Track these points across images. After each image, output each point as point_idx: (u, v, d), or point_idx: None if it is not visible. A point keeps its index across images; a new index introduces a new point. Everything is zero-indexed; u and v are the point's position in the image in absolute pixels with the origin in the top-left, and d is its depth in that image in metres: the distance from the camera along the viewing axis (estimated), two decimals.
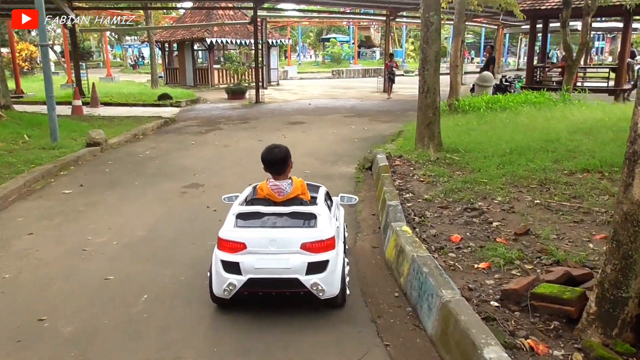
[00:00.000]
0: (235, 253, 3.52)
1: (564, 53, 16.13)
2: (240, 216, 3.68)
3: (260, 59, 20.39)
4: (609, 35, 57.36)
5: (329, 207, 4.05)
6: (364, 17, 25.31)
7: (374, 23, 53.37)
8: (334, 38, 48.09)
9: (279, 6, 23.67)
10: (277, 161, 3.92)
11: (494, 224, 5.17)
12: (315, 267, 3.51)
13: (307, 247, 3.52)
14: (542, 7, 16.92)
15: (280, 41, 27.92)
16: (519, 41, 45.27)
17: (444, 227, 5.14)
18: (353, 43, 46.25)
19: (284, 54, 51.14)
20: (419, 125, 8.57)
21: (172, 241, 5.42)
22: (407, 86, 25.76)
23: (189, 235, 5.54)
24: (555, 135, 8.78)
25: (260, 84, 20.24)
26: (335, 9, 26.57)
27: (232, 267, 3.52)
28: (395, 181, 6.75)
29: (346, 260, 3.95)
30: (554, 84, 17.63)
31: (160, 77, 29.63)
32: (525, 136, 8.97)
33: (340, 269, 3.66)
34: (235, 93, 21.10)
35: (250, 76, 22.40)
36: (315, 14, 27.48)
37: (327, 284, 3.55)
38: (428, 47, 8.34)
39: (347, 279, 3.90)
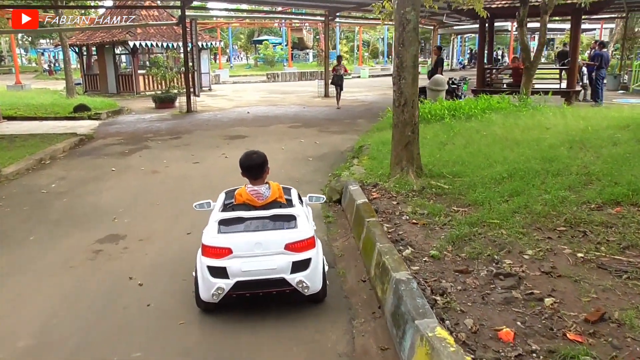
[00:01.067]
0: (221, 258, 3.59)
1: (516, 54, 15.30)
2: (223, 222, 3.75)
3: (190, 63, 18.27)
4: (532, 34, 58.51)
5: (301, 205, 4.18)
6: (302, 17, 23.68)
7: (307, 24, 51.95)
8: (267, 40, 46.19)
9: (209, 5, 21.57)
10: (255, 167, 3.98)
11: (546, 300, 3.62)
12: (299, 266, 3.65)
13: (291, 247, 3.65)
14: (494, 6, 15.88)
15: (211, 44, 25.81)
16: (451, 42, 45.13)
17: (478, 310, 3.55)
18: (286, 45, 44.54)
19: (214, 57, 48.78)
20: (395, 146, 6.96)
21: (74, 355, 3.52)
22: (349, 89, 24.40)
23: (101, 341, 3.67)
24: (552, 152, 7.43)
25: (192, 90, 18.17)
26: (269, 8, 24.73)
27: (219, 272, 3.58)
28: (382, 226, 5.11)
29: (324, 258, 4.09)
30: (504, 87, 16.65)
31: (79, 84, 26.79)
32: (516, 153, 7.58)
33: (321, 265, 3.84)
34: (164, 101, 18.90)
35: (180, 82, 20.21)
36: (247, 14, 25.49)
37: (311, 280, 3.71)
38: (404, 50, 6.78)
39: (326, 271, 4.08)
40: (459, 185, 6.40)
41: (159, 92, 20.34)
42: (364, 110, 17.52)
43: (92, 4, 23.03)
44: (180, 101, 17.88)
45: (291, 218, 3.80)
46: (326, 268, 4.08)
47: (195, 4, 18.98)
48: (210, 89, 26.18)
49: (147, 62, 24.30)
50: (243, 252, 3.61)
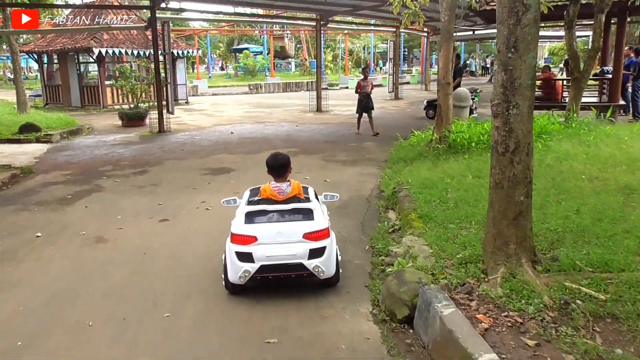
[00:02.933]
0: (247, 245, 4.04)
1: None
2: (249, 214, 4.21)
3: (163, 73, 15.22)
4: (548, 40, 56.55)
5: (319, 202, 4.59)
6: (292, 22, 20.81)
7: (288, 32, 49.18)
8: (247, 49, 43.23)
9: (186, 7, 18.53)
10: (279, 167, 4.41)
11: None
12: (316, 253, 4.08)
13: (308, 236, 4.09)
14: None
15: (187, 52, 22.78)
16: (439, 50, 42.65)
17: None
18: (268, 54, 41.64)
19: (191, 67, 45.64)
20: (496, 219, 4.05)
21: None
22: (340, 103, 21.64)
23: None
24: None
25: (165, 105, 15.12)
26: (252, 10, 21.77)
27: (245, 257, 4.02)
28: None
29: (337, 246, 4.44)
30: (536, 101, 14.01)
31: (39, 95, 23.49)
32: None
33: (334, 253, 4.25)
34: (132, 119, 15.82)
35: (153, 95, 17.11)
36: (230, 17, 22.50)
37: (326, 265, 4.11)
38: (517, 57, 3.86)
39: (339, 259, 4.39)
40: (619, 291, 3.57)
41: (129, 105, 17.18)
42: (367, 129, 14.71)
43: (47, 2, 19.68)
44: (152, 118, 14.81)
45: (309, 211, 4.23)
46: (339, 257, 4.38)
47: (169, 4, 15.90)
48: (187, 102, 23.11)
49: (116, 72, 21.13)
50: (267, 240, 4.05)
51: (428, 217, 5.56)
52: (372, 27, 30.44)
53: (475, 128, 9.53)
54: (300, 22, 22.09)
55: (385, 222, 6.07)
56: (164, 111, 14.61)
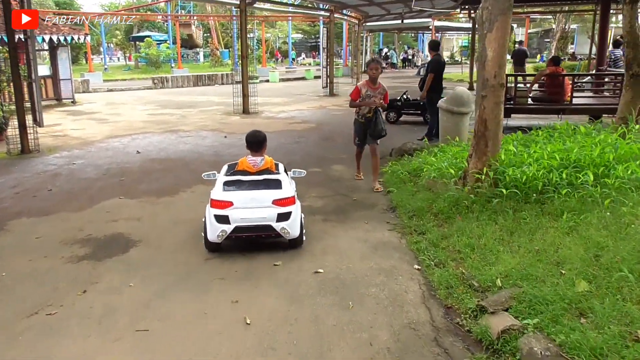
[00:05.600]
0: (224, 209, 4.53)
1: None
2: (227, 183, 4.72)
3: (22, 65, 10.40)
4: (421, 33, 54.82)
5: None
6: (307, 11, 16.17)
7: (195, 19, 43.99)
8: (149, 37, 37.59)
9: None
10: (257, 142, 4.97)
11: None
12: (283, 217, 4.58)
13: (277, 202, 4.58)
14: None
15: (72, 38, 17.55)
16: (365, 39, 39.43)
17: None
18: (174, 43, 36.36)
19: (84, 57, 39.28)
20: None
21: None
22: (269, 99, 17.70)
23: None
24: None
25: (32, 109, 10.32)
26: None
27: (222, 219, 4.53)
28: None
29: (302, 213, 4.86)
30: (532, 103, 10.82)
31: None
32: None
33: (299, 218, 4.74)
34: None
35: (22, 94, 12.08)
36: None
37: (292, 228, 4.62)
38: None
39: (303, 224, 4.87)
40: None
41: None
42: (321, 140, 10.82)
43: None
44: (17, 130, 9.92)
45: (278, 182, 4.74)
46: (303, 222, 4.90)
47: None
48: (73, 102, 17.95)
49: None
50: (241, 205, 4.55)
51: None
52: (303, 10, 26.42)
53: (529, 151, 5.94)
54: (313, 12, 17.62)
55: None
56: (30, 121, 9.83)
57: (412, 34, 55.41)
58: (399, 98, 13.05)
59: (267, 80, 28.63)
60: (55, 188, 7.29)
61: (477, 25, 5.58)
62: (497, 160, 5.59)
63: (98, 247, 5.02)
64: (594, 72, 12.49)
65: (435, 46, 10.45)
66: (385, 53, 43.33)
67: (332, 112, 15.62)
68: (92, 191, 7.08)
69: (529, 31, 40.10)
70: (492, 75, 5.34)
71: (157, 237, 5.27)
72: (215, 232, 4.57)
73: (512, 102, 10.44)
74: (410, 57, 45.24)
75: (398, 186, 6.79)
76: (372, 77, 6.86)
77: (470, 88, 20.95)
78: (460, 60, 51.07)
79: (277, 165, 5.16)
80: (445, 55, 51.72)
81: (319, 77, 31.17)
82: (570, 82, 10.60)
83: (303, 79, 31.26)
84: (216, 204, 4.59)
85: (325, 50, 20.94)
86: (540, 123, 8.88)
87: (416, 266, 4.38)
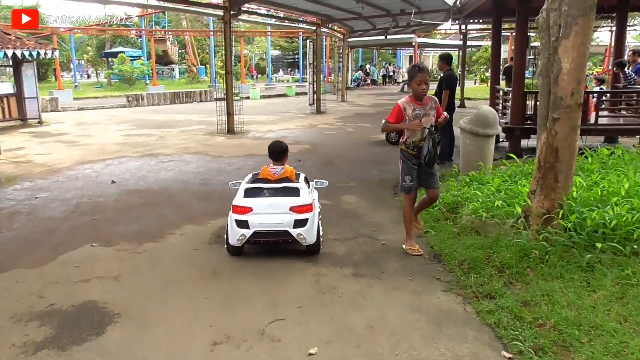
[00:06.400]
0: (244, 214, 4.72)
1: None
2: (247, 190, 4.92)
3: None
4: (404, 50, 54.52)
5: (308, 186, 5.24)
6: (194, 9, 15.01)
7: (169, 35, 42.65)
8: (122, 52, 36.04)
9: None
10: (278, 152, 5.16)
11: None
12: (300, 223, 4.69)
13: (294, 209, 4.71)
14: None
15: (39, 52, 16.04)
16: (348, 55, 38.45)
17: None
18: (148, 59, 34.90)
19: (53, 74, 37.47)
20: None
21: None
22: (255, 118, 16.57)
23: None
24: None
25: None
26: None
27: (242, 224, 4.71)
28: None
29: (320, 221, 5.08)
30: None
31: None
32: None
33: (316, 225, 4.84)
34: None
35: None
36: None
37: (308, 234, 4.72)
38: None
39: (322, 233, 5.06)
40: None
41: None
42: (322, 165, 9.63)
43: None
44: None
45: (296, 190, 4.88)
46: (321, 231, 5.07)
47: None
48: (40, 122, 16.42)
49: None
50: (260, 210, 4.73)
51: None
52: (288, 24, 25.29)
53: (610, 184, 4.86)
54: (202, 9, 16.40)
55: None
56: None
57: (391, 51, 55.00)
58: None
59: (248, 97, 27.37)
60: (11, 232, 5.91)
61: (539, 32, 4.48)
62: (569, 198, 4.49)
63: (63, 325, 3.70)
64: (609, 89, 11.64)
65: (448, 59, 9.41)
66: (366, 70, 42.55)
67: (324, 131, 14.46)
68: (57, 236, 5.74)
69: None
70: (568, 93, 4.24)
71: (141, 307, 3.98)
72: (235, 236, 4.77)
73: (531, 122, 9.44)
74: (390, 73, 44.58)
75: (432, 225, 5.64)
76: (418, 94, 4.80)
77: (461, 105, 20.09)
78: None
79: (298, 175, 5.31)
80: None
81: (300, 94, 30.19)
82: (594, 100, 9.67)
83: (284, 95, 30.15)
84: (237, 209, 4.79)
85: (312, 66, 19.81)
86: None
87: (505, 353, 3.19)
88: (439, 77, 9.74)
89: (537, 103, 4.80)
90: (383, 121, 5.11)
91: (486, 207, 5.32)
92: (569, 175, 4.47)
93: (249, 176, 5.43)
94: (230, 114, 14.13)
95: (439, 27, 34.88)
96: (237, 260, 4.90)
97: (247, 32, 45.16)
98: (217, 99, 15.67)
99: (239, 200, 4.85)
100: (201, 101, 26.08)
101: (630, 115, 10.18)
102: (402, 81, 40.07)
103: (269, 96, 29.41)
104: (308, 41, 21.65)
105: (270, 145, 5.23)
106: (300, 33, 41.66)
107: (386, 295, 4.08)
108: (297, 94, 30.30)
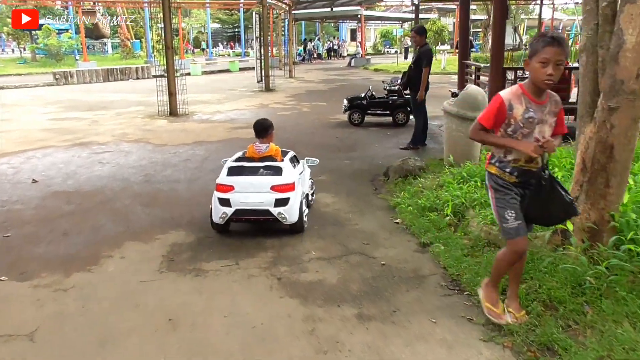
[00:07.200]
0: (227, 192, 4.73)
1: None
2: (231, 168, 4.91)
3: None
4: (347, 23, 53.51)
5: (294, 166, 5.13)
6: None
7: (100, 6, 39.49)
8: (48, 25, 32.95)
9: None
10: (262, 130, 5.07)
11: None
12: (281, 202, 4.67)
13: (275, 188, 4.69)
14: None
15: None
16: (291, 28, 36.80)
17: None
18: (77, 32, 32.04)
19: None
20: None
21: None
22: (191, 97, 15.10)
23: None
24: None
25: None
26: None
27: (225, 202, 4.73)
28: None
29: (305, 203, 5.05)
30: None
31: None
32: None
33: (298, 204, 4.75)
34: None
35: None
36: None
37: (289, 213, 4.69)
38: None
39: (306, 212, 5.06)
40: None
41: None
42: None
43: None
44: None
45: (279, 169, 4.83)
46: (306, 209, 5.04)
47: None
48: None
49: None
50: (241, 189, 4.73)
51: None
52: None
53: None
54: None
55: None
56: None
57: (333, 24, 53.68)
58: (363, 95, 10.91)
59: (189, 74, 25.46)
60: None
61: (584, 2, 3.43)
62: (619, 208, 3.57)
63: None
64: None
65: (424, 32, 8.33)
66: (308, 46, 41.00)
67: (277, 112, 13.20)
68: None
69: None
70: (632, 75, 3.25)
71: None
72: (218, 214, 4.76)
73: None
74: (336, 47, 43.35)
75: (436, 234, 4.63)
76: (540, 82, 2.87)
77: None
78: (382, 50, 50.05)
79: (285, 153, 5.24)
80: (368, 45, 50.48)
81: (244, 69, 28.56)
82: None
83: (227, 71, 28.42)
84: (220, 187, 4.80)
85: (259, 39, 18.33)
86: None
87: None
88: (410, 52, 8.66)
89: (578, 87, 3.81)
90: (473, 125, 3.07)
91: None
92: (624, 179, 3.54)
93: (238, 154, 5.34)
94: (172, 94, 12.61)
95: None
96: (199, 296, 3.72)
97: (183, 3, 42.54)
98: (155, 76, 14.06)
99: (222, 178, 4.85)
100: (138, 78, 24.02)
101: None
102: (348, 55, 39.00)
103: (212, 72, 27.61)
104: (253, 12, 20.08)
105: (254, 123, 5.17)
106: (241, 4, 39.66)
107: (409, 351, 3.03)
108: (241, 69, 28.67)
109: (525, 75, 9.04)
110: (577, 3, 34.85)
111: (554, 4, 33.51)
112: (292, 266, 4.21)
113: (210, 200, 4.92)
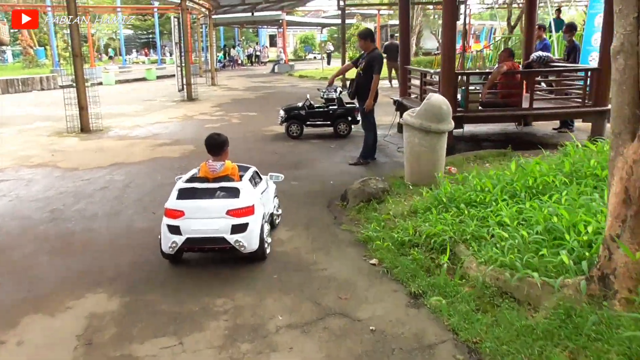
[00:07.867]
0: (176, 219, 4.14)
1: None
2: (181, 191, 4.29)
3: None
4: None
5: (256, 184, 4.64)
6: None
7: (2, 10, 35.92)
8: None
9: None
10: (215, 146, 4.53)
11: None
12: (238, 228, 4.11)
13: (231, 213, 4.12)
14: None
15: None
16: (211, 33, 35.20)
17: None
18: None
19: None
20: None
21: None
22: (105, 110, 13.63)
23: None
24: None
25: None
26: None
27: (175, 230, 4.13)
28: None
29: (267, 226, 4.49)
30: (484, 110, 8.39)
31: None
32: None
33: (258, 230, 4.21)
34: None
35: None
36: None
37: (247, 241, 4.13)
38: None
39: (269, 240, 4.51)
40: None
41: None
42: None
43: None
44: None
45: (236, 190, 4.26)
46: (267, 235, 4.44)
47: None
48: None
49: None
50: (193, 215, 4.14)
51: None
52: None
53: None
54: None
55: None
56: None
57: (252, 30, 52.50)
58: (301, 105, 9.98)
59: (101, 83, 23.43)
60: None
61: None
62: None
63: None
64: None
65: (369, 35, 7.50)
66: (230, 53, 39.48)
67: (205, 124, 11.97)
68: None
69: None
70: None
71: None
72: (167, 243, 4.19)
73: (462, 110, 7.99)
74: (257, 53, 42.17)
75: (426, 280, 3.76)
76: None
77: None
78: (303, 56, 49.48)
79: (245, 168, 4.82)
80: (288, 51, 49.71)
81: (162, 77, 26.87)
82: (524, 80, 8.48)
83: (144, 79, 26.52)
84: (169, 213, 4.23)
85: (179, 45, 16.92)
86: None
87: None
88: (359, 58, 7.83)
89: (612, 98, 3.07)
90: None
91: (514, 253, 3.55)
92: None
93: (191, 172, 4.77)
94: (82, 107, 11.05)
95: (307, 3, 33.25)
96: None
97: (89, 7, 39.72)
98: (63, 87, 12.39)
99: (172, 202, 4.29)
100: (43, 89, 21.70)
101: (569, 99, 9.03)
102: (270, 61, 38.06)
103: (126, 81, 25.63)
104: (172, 17, 18.61)
105: (206, 139, 4.62)
106: (156, 9, 37.61)
107: None
108: (159, 77, 26.91)
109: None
110: (490, 7, 35.87)
111: (470, 9, 34.26)
112: (256, 341, 3.19)
113: (142, 239, 4.33)
